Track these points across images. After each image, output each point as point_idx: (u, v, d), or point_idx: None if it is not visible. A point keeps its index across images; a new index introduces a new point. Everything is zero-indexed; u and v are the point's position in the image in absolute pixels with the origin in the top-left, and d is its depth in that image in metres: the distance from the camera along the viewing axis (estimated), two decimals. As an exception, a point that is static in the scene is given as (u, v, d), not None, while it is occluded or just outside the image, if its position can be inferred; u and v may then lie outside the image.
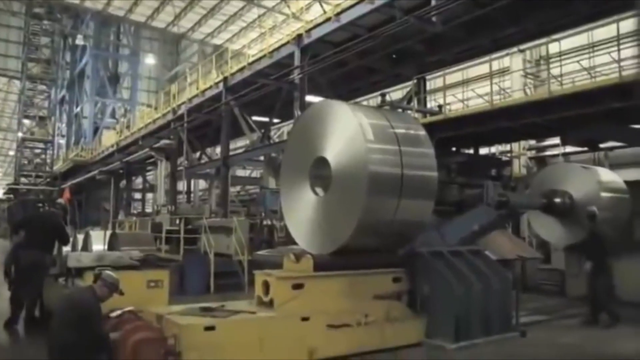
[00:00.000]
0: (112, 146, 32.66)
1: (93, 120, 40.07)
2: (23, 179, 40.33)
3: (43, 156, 41.77)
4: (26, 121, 41.53)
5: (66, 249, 9.10)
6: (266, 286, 6.54)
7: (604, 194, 10.92)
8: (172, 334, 5.38)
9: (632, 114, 10.99)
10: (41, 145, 41.71)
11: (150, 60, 45.78)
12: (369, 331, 6.64)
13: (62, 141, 45.38)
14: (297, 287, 6.53)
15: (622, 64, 10.97)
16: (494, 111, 12.79)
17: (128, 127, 31.60)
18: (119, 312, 5.76)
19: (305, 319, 6.22)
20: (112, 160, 31.32)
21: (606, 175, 11.92)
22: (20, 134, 42.00)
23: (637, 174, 14.90)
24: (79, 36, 41.26)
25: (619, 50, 11.32)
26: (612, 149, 16.02)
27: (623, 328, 8.53)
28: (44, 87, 41.65)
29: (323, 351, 6.17)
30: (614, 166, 15.44)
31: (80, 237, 14.56)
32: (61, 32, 43.67)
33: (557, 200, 11.02)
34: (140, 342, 5.19)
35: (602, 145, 15.10)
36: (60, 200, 10.86)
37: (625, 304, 10.04)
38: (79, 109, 42.40)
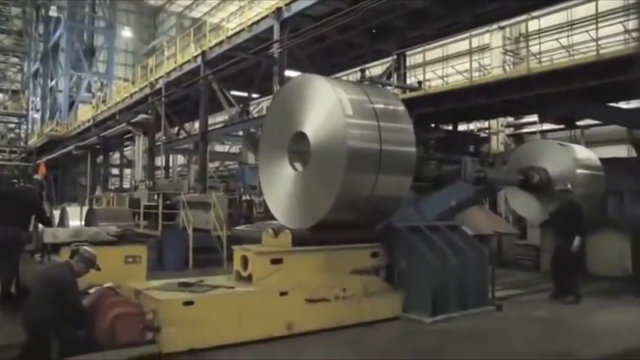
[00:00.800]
0: (89, 121, 32.11)
1: (68, 94, 39.22)
2: (-4, 154, 39.51)
3: (17, 131, 40.76)
4: (-2, 95, 40.54)
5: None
6: (245, 261, 6.56)
7: (579, 171, 11.09)
8: (150, 309, 5.38)
9: (608, 92, 11.13)
10: (15, 119, 40.65)
11: (126, 33, 44.87)
12: (347, 305, 6.72)
13: (37, 115, 44.37)
14: (276, 262, 6.57)
15: (600, 42, 11.05)
16: (473, 88, 12.84)
17: (104, 101, 31.04)
18: (97, 288, 5.73)
19: (283, 293, 6.27)
20: (89, 135, 30.84)
21: (582, 152, 12.08)
22: (-8, 108, 41.01)
23: (613, 151, 15.15)
24: (53, 7, 40.12)
25: (597, 28, 11.40)
26: (588, 126, 16.23)
27: (596, 301, 8.73)
28: (16, 60, 40.46)
29: (301, 325, 6.23)
30: (590, 144, 15.67)
31: (57, 213, 14.44)
32: (33, 3, 42.33)
33: (534, 176, 11.18)
34: (118, 317, 5.18)
35: (578, 123, 15.27)
36: (36, 176, 10.63)
37: (599, 278, 10.28)
38: (53, 82, 41.46)
